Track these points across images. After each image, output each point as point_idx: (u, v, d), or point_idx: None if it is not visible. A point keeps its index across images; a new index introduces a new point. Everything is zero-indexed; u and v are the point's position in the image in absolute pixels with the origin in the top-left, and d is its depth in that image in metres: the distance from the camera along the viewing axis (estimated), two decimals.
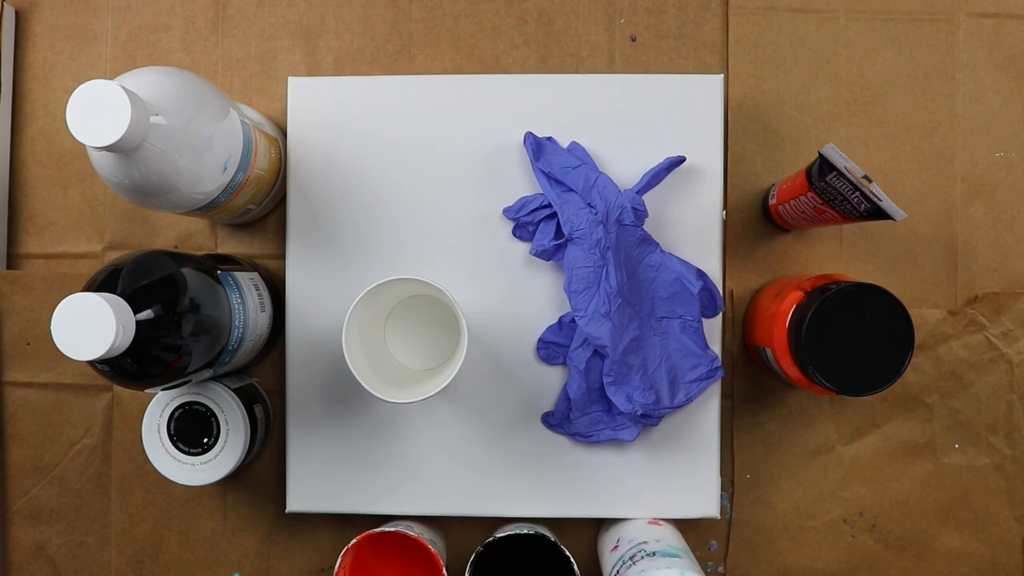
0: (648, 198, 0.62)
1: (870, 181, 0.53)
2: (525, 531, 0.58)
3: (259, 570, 0.66)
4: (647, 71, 0.66)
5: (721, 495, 0.65)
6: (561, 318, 0.63)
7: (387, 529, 0.58)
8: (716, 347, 0.63)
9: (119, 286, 0.49)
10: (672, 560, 0.54)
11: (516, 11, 0.67)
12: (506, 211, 0.63)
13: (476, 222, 0.63)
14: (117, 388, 0.66)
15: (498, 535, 0.58)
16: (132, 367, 0.50)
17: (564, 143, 0.63)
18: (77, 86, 0.45)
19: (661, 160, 0.61)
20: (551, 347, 0.63)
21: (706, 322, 0.63)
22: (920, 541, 0.66)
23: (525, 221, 0.63)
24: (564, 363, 0.63)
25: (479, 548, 0.57)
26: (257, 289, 0.60)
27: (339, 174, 0.64)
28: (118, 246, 0.67)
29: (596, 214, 0.60)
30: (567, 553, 0.56)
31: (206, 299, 0.52)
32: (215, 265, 0.56)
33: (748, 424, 0.66)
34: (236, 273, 0.58)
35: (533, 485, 0.63)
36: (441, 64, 0.67)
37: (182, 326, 0.51)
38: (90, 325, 0.45)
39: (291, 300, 0.64)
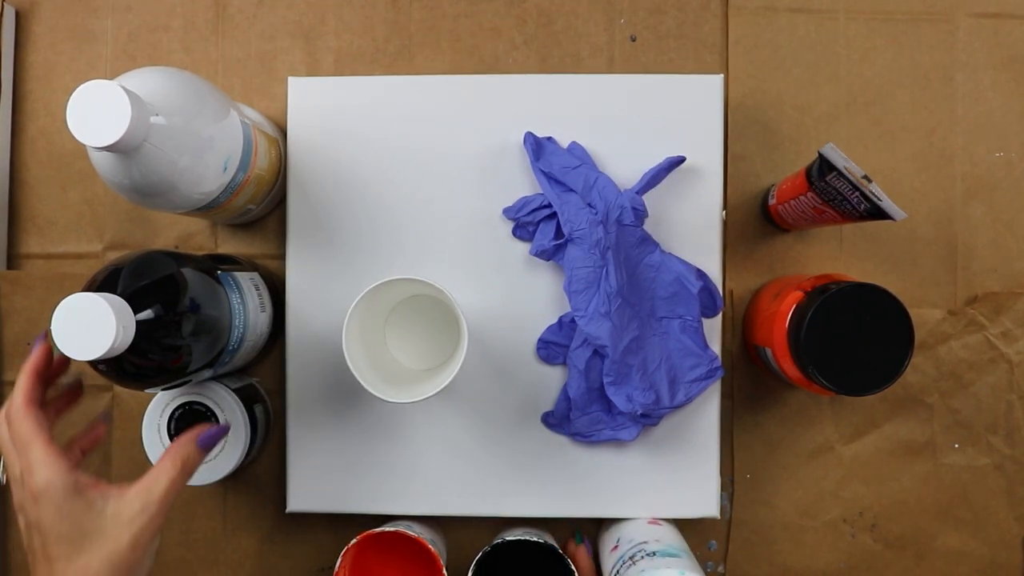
0: (648, 198, 0.62)
1: (870, 181, 0.53)
2: (534, 539, 0.58)
3: (259, 570, 0.66)
4: (647, 71, 0.66)
5: (721, 495, 0.65)
6: (561, 318, 0.63)
7: (387, 529, 0.58)
8: (716, 347, 0.63)
9: (119, 286, 0.49)
10: (672, 560, 0.54)
11: (516, 11, 0.67)
12: (506, 211, 0.63)
13: (476, 222, 0.63)
14: (117, 388, 0.66)
15: (507, 538, 0.58)
16: (132, 367, 0.50)
17: (564, 143, 0.63)
18: (77, 86, 0.45)
19: (661, 160, 0.61)
20: (551, 347, 0.63)
21: (706, 322, 0.63)
22: (920, 541, 0.65)
23: (525, 221, 0.63)
24: (564, 363, 0.63)
25: (486, 548, 0.57)
26: (257, 289, 0.60)
27: (339, 174, 0.64)
28: (118, 246, 0.67)
29: (596, 214, 0.60)
30: (572, 567, 0.56)
31: (206, 299, 0.52)
32: (215, 265, 0.56)
33: (748, 424, 0.66)
34: (236, 273, 0.58)
35: (533, 485, 0.63)
36: (441, 64, 0.67)
37: (182, 326, 0.51)
38: (90, 325, 0.45)
39: (291, 300, 0.64)
